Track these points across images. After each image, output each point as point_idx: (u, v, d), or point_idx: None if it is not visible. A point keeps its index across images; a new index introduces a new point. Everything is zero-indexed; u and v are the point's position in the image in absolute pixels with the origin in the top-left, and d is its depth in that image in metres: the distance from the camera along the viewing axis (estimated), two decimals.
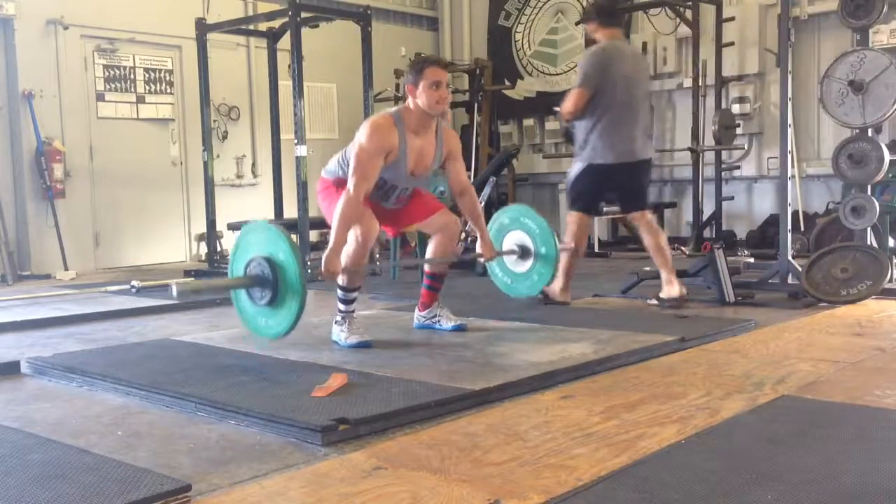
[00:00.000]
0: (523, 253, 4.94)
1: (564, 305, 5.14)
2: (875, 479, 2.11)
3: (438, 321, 4.31)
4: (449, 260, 4.35)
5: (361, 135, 3.88)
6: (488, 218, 4.92)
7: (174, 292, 3.46)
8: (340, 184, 3.99)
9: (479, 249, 4.51)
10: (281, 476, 2.27)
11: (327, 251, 3.77)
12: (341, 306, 4.03)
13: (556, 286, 5.13)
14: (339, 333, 3.98)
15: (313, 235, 8.89)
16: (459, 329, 4.25)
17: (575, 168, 5.13)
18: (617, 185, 5.12)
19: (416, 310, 4.41)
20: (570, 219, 5.20)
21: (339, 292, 4.04)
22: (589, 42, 5.15)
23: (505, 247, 4.99)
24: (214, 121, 9.01)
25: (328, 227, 3.96)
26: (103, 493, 2.06)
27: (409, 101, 3.99)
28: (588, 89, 4.90)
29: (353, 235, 3.88)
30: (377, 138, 3.86)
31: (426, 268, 4.35)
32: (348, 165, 3.91)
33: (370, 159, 3.84)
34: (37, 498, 2.04)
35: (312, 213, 8.20)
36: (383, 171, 3.93)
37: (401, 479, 2.20)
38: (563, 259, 5.07)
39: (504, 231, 5.05)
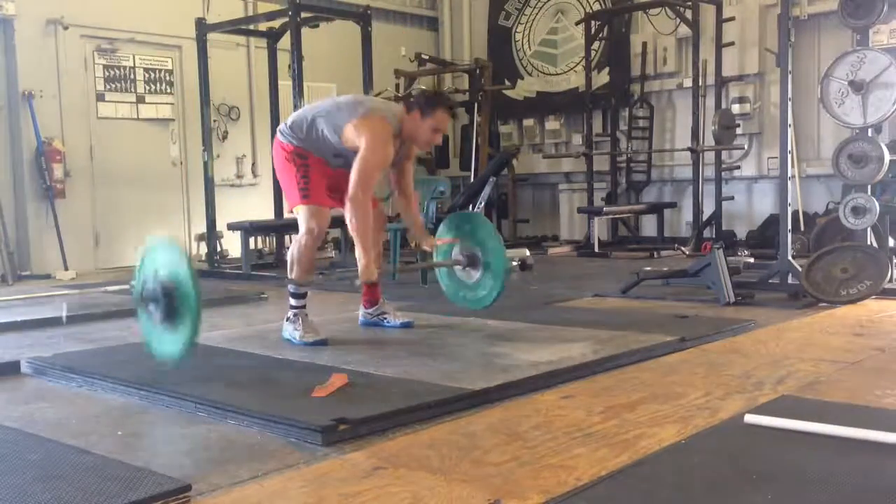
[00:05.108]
0: (471, 262, 4.28)
1: None
2: (875, 478, 2.11)
3: (385, 318, 4.29)
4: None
5: (377, 143, 3.82)
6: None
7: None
8: (300, 156, 3.95)
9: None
10: (281, 476, 2.27)
11: (362, 264, 3.82)
12: (293, 301, 3.99)
13: None
14: (294, 332, 3.93)
15: None
16: (407, 326, 4.23)
17: None
18: None
19: (361, 307, 4.37)
20: None
21: (291, 286, 4.00)
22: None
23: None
24: (214, 121, 9.01)
25: (288, 199, 4.06)
26: (103, 493, 2.06)
27: (408, 117, 3.96)
28: None
29: (307, 227, 3.90)
30: (384, 153, 3.88)
31: None
32: (334, 133, 3.90)
33: (376, 169, 3.87)
34: (37, 498, 2.04)
35: None
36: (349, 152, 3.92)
37: (401, 479, 2.20)
38: None
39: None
